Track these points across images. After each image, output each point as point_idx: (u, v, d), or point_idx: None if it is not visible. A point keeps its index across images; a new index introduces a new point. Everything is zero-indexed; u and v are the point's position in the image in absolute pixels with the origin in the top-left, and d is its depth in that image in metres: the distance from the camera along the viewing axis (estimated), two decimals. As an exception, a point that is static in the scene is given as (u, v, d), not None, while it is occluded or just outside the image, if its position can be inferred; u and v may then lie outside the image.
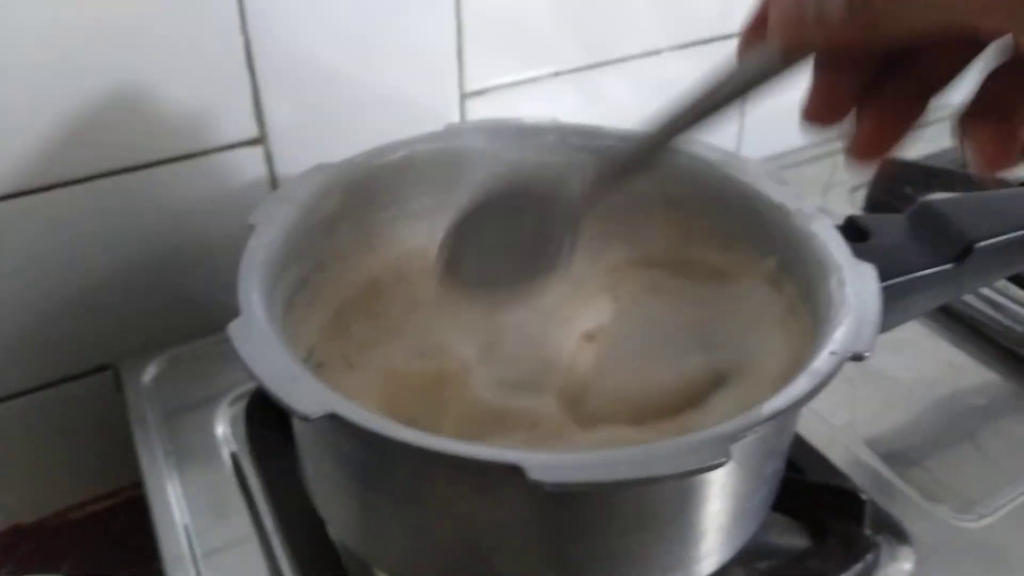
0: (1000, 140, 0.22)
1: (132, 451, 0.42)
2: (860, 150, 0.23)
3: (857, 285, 0.30)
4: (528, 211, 0.30)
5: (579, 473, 0.23)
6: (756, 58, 0.23)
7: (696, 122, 0.26)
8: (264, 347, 0.27)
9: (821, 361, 0.26)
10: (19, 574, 0.45)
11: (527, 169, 0.31)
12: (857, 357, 0.27)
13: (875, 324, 0.28)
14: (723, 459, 0.23)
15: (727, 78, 0.25)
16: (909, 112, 0.23)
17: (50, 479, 0.49)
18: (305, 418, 0.24)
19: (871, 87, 0.23)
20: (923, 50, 0.22)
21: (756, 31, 0.23)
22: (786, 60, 0.23)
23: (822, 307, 0.30)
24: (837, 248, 0.32)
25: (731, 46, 0.26)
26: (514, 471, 0.23)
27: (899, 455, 0.40)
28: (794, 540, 0.36)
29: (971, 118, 0.22)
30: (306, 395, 0.25)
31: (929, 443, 0.41)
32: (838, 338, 0.27)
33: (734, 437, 0.23)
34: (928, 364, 0.46)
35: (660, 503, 0.26)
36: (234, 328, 0.27)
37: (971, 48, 0.22)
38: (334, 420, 0.24)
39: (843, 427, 0.41)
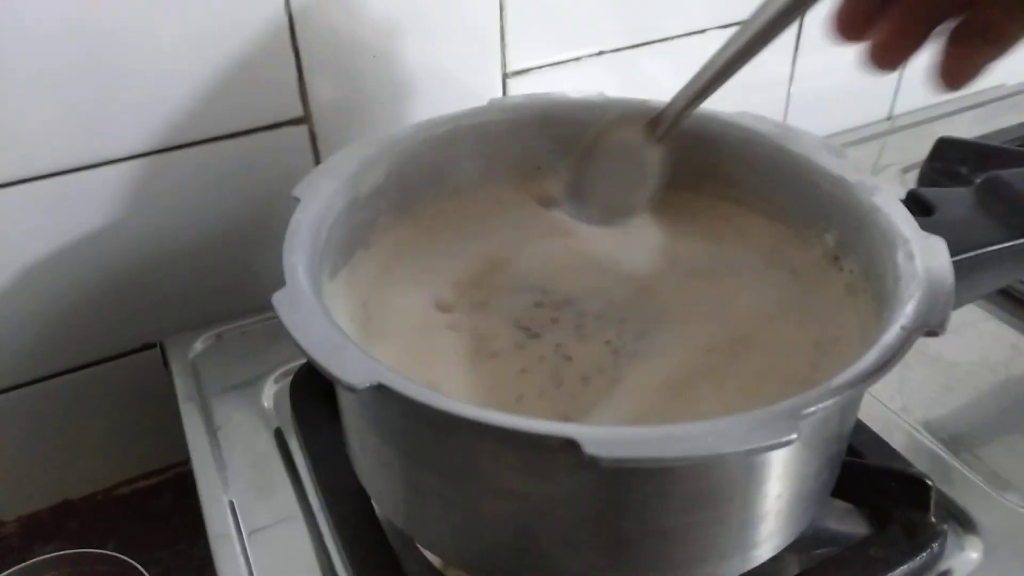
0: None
1: (180, 428, 0.42)
2: (874, 55, 0.27)
3: (927, 258, 0.28)
4: (625, 157, 0.36)
5: (638, 449, 0.22)
6: None
7: (752, 48, 0.30)
8: (310, 317, 0.26)
9: (891, 336, 0.25)
10: (66, 549, 0.46)
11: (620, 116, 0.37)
12: (931, 333, 0.25)
13: (949, 298, 0.26)
14: (792, 436, 0.22)
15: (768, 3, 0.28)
16: (925, 20, 0.25)
17: (99, 456, 0.49)
18: (352, 388, 0.24)
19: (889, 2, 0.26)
20: None
21: None
22: None
23: (889, 281, 0.29)
24: (903, 220, 0.30)
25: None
26: (569, 445, 0.22)
27: (962, 441, 0.38)
28: (853, 527, 0.34)
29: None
30: (353, 365, 0.24)
31: (992, 429, 0.39)
32: (909, 312, 0.26)
33: (803, 413, 0.22)
34: (989, 347, 0.44)
35: (720, 481, 0.25)
36: (279, 298, 0.27)
37: None
38: (381, 391, 0.24)
39: (901, 411, 0.40)
